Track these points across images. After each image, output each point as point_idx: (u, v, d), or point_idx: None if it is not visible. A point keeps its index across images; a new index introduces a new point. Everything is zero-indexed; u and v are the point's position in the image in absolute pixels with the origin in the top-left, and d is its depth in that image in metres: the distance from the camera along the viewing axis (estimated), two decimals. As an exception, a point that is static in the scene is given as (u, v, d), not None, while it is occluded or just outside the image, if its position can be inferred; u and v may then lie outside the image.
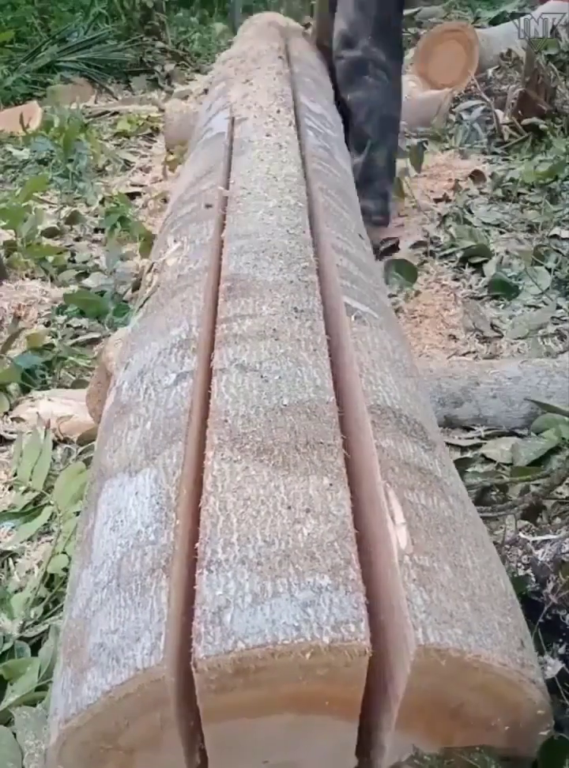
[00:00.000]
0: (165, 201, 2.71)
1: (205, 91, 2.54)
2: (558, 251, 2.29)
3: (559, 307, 2.01)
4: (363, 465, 0.73)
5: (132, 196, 3.03)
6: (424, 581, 0.58)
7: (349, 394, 0.81)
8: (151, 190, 3.09)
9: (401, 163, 2.95)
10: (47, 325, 2.07)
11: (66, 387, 1.77)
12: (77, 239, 2.67)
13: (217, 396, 0.76)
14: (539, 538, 0.97)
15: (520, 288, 2.13)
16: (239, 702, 0.56)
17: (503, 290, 2.12)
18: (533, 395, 1.51)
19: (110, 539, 0.67)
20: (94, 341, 1.97)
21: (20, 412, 1.66)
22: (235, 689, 0.54)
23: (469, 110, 3.62)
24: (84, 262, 2.46)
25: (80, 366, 1.83)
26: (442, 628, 0.55)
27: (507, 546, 0.99)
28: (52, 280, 2.32)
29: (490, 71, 4.06)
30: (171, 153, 3.28)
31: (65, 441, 1.56)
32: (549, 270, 2.18)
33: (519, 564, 0.95)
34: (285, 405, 0.74)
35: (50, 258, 2.39)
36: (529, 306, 2.05)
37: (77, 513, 1.22)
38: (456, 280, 2.23)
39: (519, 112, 3.36)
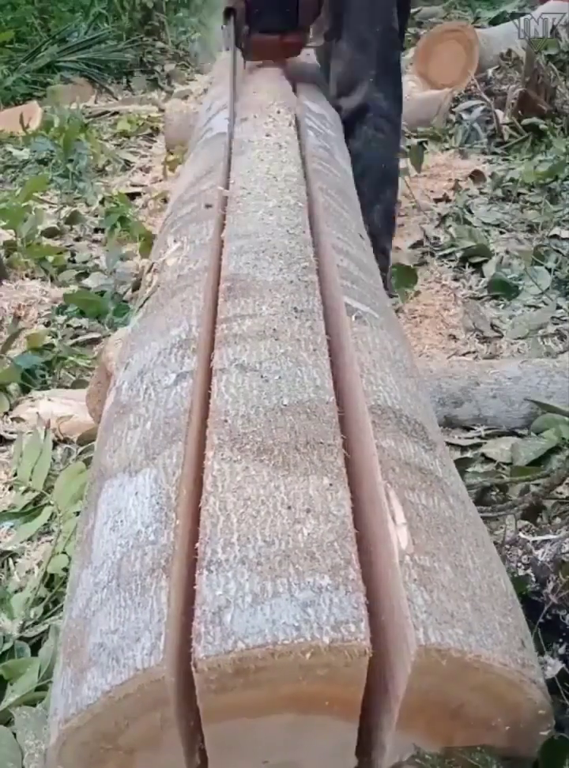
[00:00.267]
0: (165, 201, 2.71)
1: (205, 90, 2.53)
2: (558, 251, 2.29)
3: (559, 307, 2.01)
4: (363, 465, 0.73)
5: (132, 196, 3.03)
6: (425, 581, 0.58)
7: (350, 394, 0.81)
8: (151, 190, 3.09)
9: (401, 163, 2.96)
10: (47, 325, 2.07)
11: (66, 387, 1.77)
12: (77, 239, 2.67)
13: (217, 396, 0.76)
14: (539, 538, 0.97)
15: (520, 287, 2.13)
16: (239, 702, 0.56)
17: (503, 290, 2.12)
18: (533, 395, 1.51)
19: (110, 539, 0.67)
20: (94, 341, 1.98)
21: (20, 412, 1.66)
22: (235, 689, 0.54)
23: (469, 110, 3.62)
24: (84, 262, 2.46)
25: (80, 366, 1.83)
26: (443, 628, 0.55)
27: (507, 546, 0.99)
28: (52, 280, 2.32)
29: (490, 71, 4.06)
30: (171, 153, 3.28)
31: (65, 441, 1.56)
32: (549, 270, 2.19)
33: (519, 564, 0.95)
34: (285, 405, 0.74)
35: (50, 258, 2.40)
36: (529, 306, 2.05)
37: (77, 513, 1.22)
38: (456, 280, 2.23)
39: (519, 112, 3.36)
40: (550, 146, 3.14)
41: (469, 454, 1.44)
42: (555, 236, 2.40)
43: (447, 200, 2.80)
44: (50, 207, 2.93)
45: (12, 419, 1.65)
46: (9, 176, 3.35)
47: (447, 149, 3.39)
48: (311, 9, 1.80)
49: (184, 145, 2.71)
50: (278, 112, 1.59)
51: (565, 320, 1.95)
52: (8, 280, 2.26)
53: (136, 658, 0.54)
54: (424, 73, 4.20)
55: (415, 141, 3.36)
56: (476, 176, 2.98)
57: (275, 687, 0.55)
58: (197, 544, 0.61)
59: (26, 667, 1.06)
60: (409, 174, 2.90)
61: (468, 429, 1.53)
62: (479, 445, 1.47)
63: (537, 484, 1.27)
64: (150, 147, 3.79)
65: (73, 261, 2.46)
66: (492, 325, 1.96)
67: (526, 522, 1.18)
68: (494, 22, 5.45)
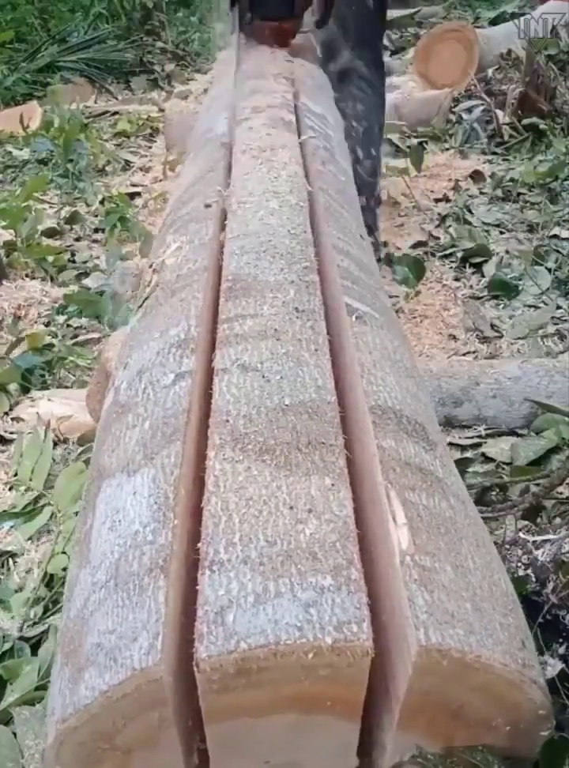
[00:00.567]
0: (165, 201, 2.71)
1: (205, 90, 2.55)
2: (558, 251, 2.29)
3: (559, 307, 2.01)
4: (364, 466, 0.73)
5: (132, 196, 3.03)
6: (426, 582, 0.58)
7: (350, 394, 0.81)
8: (151, 190, 3.09)
9: (401, 163, 2.96)
10: (47, 325, 2.07)
11: (66, 387, 1.77)
12: (77, 239, 2.67)
13: (219, 396, 0.76)
14: (539, 538, 0.97)
15: (520, 287, 2.13)
16: (241, 702, 0.56)
17: (503, 290, 2.12)
18: (533, 395, 1.51)
19: (108, 539, 0.66)
20: (94, 341, 1.98)
21: (20, 412, 1.66)
22: (237, 689, 0.54)
23: (469, 110, 3.62)
24: (84, 262, 2.46)
25: (80, 366, 1.83)
26: (444, 628, 0.55)
27: (507, 546, 0.99)
28: (52, 280, 2.32)
29: (490, 71, 4.06)
30: (171, 153, 3.28)
31: (65, 441, 1.56)
32: (549, 270, 2.19)
33: (519, 564, 0.95)
34: (287, 405, 0.74)
35: (50, 258, 2.40)
36: (529, 306, 2.06)
37: (77, 514, 1.22)
38: (456, 280, 2.23)
39: (519, 112, 3.36)
40: (550, 146, 3.15)
41: (469, 454, 1.45)
42: (555, 236, 2.40)
43: (447, 200, 2.80)
44: (50, 207, 2.93)
45: (12, 419, 1.65)
46: (9, 176, 3.35)
47: (447, 149, 3.39)
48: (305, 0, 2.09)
49: (184, 145, 2.71)
50: (278, 112, 1.59)
51: (565, 320, 1.95)
52: (8, 280, 2.26)
53: (133, 658, 0.54)
54: (424, 73, 4.20)
55: (415, 141, 3.36)
56: (476, 176, 2.98)
57: (277, 687, 0.55)
58: (199, 544, 0.61)
59: (26, 666, 1.06)
60: (409, 174, 2.90)
61: (468, 429, 1.53)
62: (479, 444, 1.47)
63: (537, 484, 1.27)
64: (150, 147, 3.79)
65: (73, 261, 2.46)
66: (492, 325, 1.96)
67: (526, 522, 1.19)
68: (494, 22, 5.46)
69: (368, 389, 0.77)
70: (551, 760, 0.65)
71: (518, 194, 2.77)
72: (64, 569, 1.20)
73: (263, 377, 0.78)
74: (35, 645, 1.11)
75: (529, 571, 0.93)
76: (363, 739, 0.63)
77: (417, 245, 2.44)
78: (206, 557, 0.59)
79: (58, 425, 1.56)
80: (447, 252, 2.38)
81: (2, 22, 5.41)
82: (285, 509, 0.62)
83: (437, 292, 2.17)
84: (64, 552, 1.24)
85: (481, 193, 2.86)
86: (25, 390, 1.74)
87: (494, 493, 1.31)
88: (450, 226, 2.56)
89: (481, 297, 2.12)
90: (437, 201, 2.81)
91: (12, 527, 1.36)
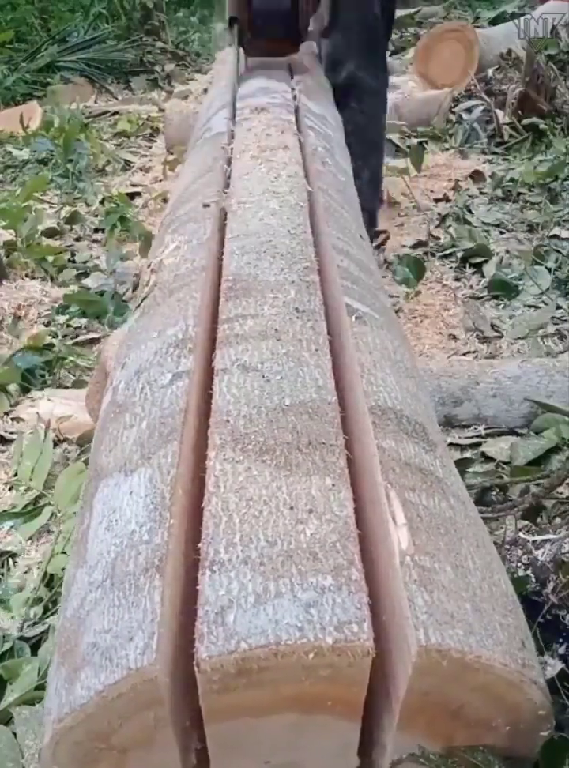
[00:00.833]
0: (165, 200, 2.71)
1: (205, 90, 2.56)
2: (558, 251, 2.29)
3: (559, 307, 2.01)
4: (364, 466, 0.73)
5: (132, 196, 3.03)
6: (425, 582, 0.58)
7: (350, 395, 0.82)
8: (151, 190, 3.09)
9: (401, 163, 2.96)
10: (47, 325, 2.07)
11: (66, 387, 1.77)
12: (77, 239, 2.67)
13: (219, 396, 0.76)
14: (539, 538, 0.98)
15: (520, 288, 2.13)
16: (242, 703, 0.56)
17: (503, 290, 2.12)
18: (532, 394, 1.51)
19: (104, 538, 0.67)
20: (94, 341, 1.98)
21: (20, 412, 1.66)
22: (238, 689, 0.54)
23: (469, 110, 3.62)
24: (84, 262, 2.46)
25: (80, 366, 1.83)
26: (443, 629, 0.55)
27: (507, 546, 0.99)
28: (52, 280, 2.32)
29: (490, 71, 4.06)
30: (171, 153, 3.28)
31: (65, 441, 1.56)
32: (549, 270, 2.19)
33: (519, 564, 0.95)
34: (287, 405, 0.74)
35: (50, 258, 2.40)
36: (529, 306, 2.06)
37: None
38: (456, 280, 2.23)
39: (519, 112, 3.36)
40: (550, 146, 3.15)
41: (468, 454, 1.45)
42: (555, 236, 2.40)
43: (447, 200, 2.80)
44: (50, 207, 2.93)
45: (12, 419, 1.65)
46: (9, 176, 3.35)
47: (447, 149, 3.39)
48: (308, 19, 2.00)
49: (184, 145, 2.71)
50: (278, 112, 1.59)
51: (565, 320, 1.95)
52: (8, 280, 2.26)
53: (129, 657, 0.54)
54: (424, 73, 4.21)
55: (415, 141, 3.36)
56: (476, 176, 2.98)
57: (278, 687, 0.55)
58: (199, 544, 0.61)
59: (26, 666, 1.06)
60: (409, 174, 2.90)
61: (468, 428, 1.53)
62: (479, 444, 1.48)
63: (537, 484, 1.27)
64: (150, 147, 3.79)
65: (73, 261, 2.47)
66: (492, 325, 1.96)
67: (526, 522, 1.19)
68: (494, 22, 5.46)
69: (368, 389, 0.77)
70: (551, 760, 0.65)
71: (518, 194, 2.77)
72: (64, 569, 1.20)
73: (263, 377, 0.78)
74: (35, 645, 1.11)
75: (529, 571, 0.93)
76: (363, 738, 0.63)
77: (417, 245, 2.44)
78: (207, 557, 0.59)
79: (58, 425, 1.56)
80: (447, 252, 2.39)
81: (2, 22, 5.41)
82: (286, 509, 0.62)
83: (437, 292, 2.17)
84: (64, 552, 1.24)
85: (481, 193, 2.86)
86: (25, 390, 1.74)
87: (494, 493, 1.31)
88: (450, 226, 2.56)
89: (481, 297, 2.12)
90: (437, 201, 2.81)
91: (12, 527, 1.36)
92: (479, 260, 2.30)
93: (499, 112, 3.43)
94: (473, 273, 2.27)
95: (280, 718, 0.58)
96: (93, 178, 3.21)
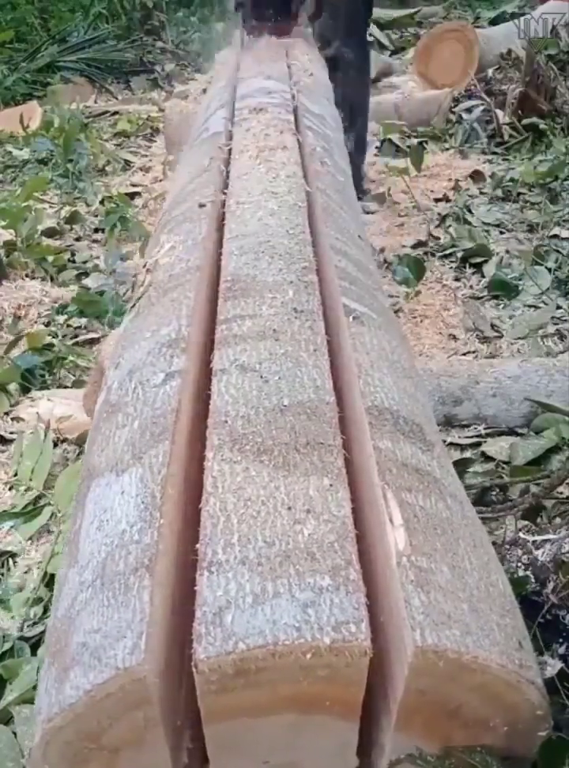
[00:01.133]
0: (165, 200, 2.71)
1: (204, 90, 2.62)
2: (558, 251, 2.29)
3: (559, 307, 2.01)
4: (361, 466, 0.73)
5: (132, 196, 3.03)
6: (422, 583, 0.58)
7: (347, 395, 0.82)
8: (151, 190, 3.09)
9: (401, 163, 2.96)
10: (47, 325, 2.07)
11: (66, 387, 1.77)
12: (77, 239, 2.67)
13: (217, 396, 0.76)
14: (539, 538, 0.97)
15: (520, 288, 2.13)
16: (240, 703, 0.56)
17: (503, 290, 2.12)
18: (532, 394, 1.51)
19: (95, 538, 0.67)
20: (94, 341, 1.98)
21: (20, 412, 1.66)
22: (236, 689, 0.54)
23: (469, 110, 3.62)
24: (84, 262, 2.46)
25: (80, 366, 1.83)
26: (440, 629, 0.55)
27: (507, 546, 0.99)
28: (52, 280, 2.32)
29: (490, 71, 4.06)
30: (171, 153, 3.28)
31: (65, 441, 1.56)
32: (549, 270, 2.19)
33: (519, 564, 0.95)
34: (285, 406, 0.74)
35: (50, 258, 2.40)
36: (529, 306, 2.06)
37: (74, 513, 1.22)
38: (456, 280, 2.23)
39: (519, 112, 3.36)
40: (550, 146, 3.15)
41: (468, 453, 1.45)
42: (555, 236, 2.40)
43: (447, 200, 2.80)
44: (50, 207, 2.93)
45: (12, 419, 1.65)
46: (9, 176, 3.35)
47: (447, 149, 3.39)
48: (300, 4, 2.54)
49: (184, 145, 2.71)
50: (277, 112, 1.59)
51: (565, 320, 1.95)
52: (8, 280, 2.26)
53: (117, 657, 0.54)
54: (424, 72, 4.21)
55: (415, 141, 3.36)
56: (476, 176, 2.98)
57: (276, 687, 0.55)
58: (198, 545, 0.61)
59: (25, 666, 1.06)
60: (409, 174, 2.90)
61: (468, 428, 1.53)
62: (478, 443, 1.47)
63: (538, 484, 1.27)
64: (150, 147, 3.79)
65: (73, 261, 2.46)
66: (492, 325, 1.96)
67: (526, 522, 1.19)
68: (494, 22, 5.46)
69: (365, 389, 0.77)
70: (549, 760, 0.65)
71: (518, 194, 2.77)
72: (63, 569, 1.20)
73: (261, 377, 0.78)
74: (35, 645, 1.11)
75: (529, 571, 0.93)
76: (362, 739, 0.63)
77: (417, 245, 2.44)
78: (204, 558, 0.59)
79: (58, 425, 1.56)
80: (447, 252, 2.38)
81: (2, 22, 5.41)
82: (284, 509, 0.62)
83: (437, 292, 2.17)
84: (64, 552, 1.24)
85: (481, 193, 2.86)
86: (25, 390, 1.74)
87: (494, 493, 1.31)
88: (450, 226, 2.56)
89: (481, 297, 2.12)
90: (437, 201, 2.81)
91: (12, 527, 1.36)
92: (479, 260, 2.30)
93: (499, 112, 3.43)
94: (473, 273, 2.26)
95: (279, 718, 0.58)
96: (93, 178, 3.21)
